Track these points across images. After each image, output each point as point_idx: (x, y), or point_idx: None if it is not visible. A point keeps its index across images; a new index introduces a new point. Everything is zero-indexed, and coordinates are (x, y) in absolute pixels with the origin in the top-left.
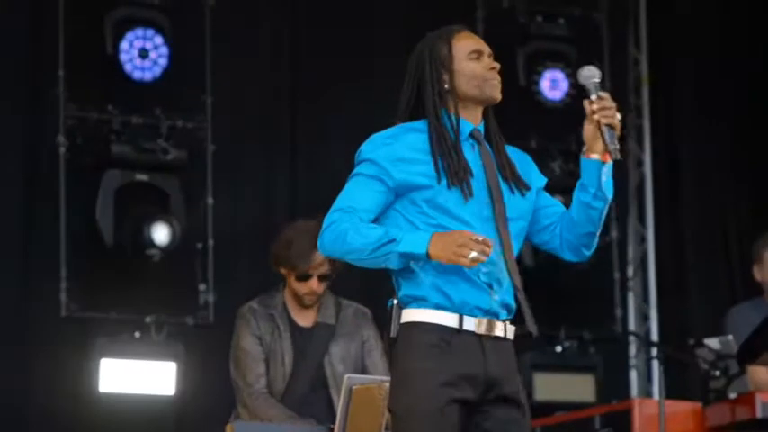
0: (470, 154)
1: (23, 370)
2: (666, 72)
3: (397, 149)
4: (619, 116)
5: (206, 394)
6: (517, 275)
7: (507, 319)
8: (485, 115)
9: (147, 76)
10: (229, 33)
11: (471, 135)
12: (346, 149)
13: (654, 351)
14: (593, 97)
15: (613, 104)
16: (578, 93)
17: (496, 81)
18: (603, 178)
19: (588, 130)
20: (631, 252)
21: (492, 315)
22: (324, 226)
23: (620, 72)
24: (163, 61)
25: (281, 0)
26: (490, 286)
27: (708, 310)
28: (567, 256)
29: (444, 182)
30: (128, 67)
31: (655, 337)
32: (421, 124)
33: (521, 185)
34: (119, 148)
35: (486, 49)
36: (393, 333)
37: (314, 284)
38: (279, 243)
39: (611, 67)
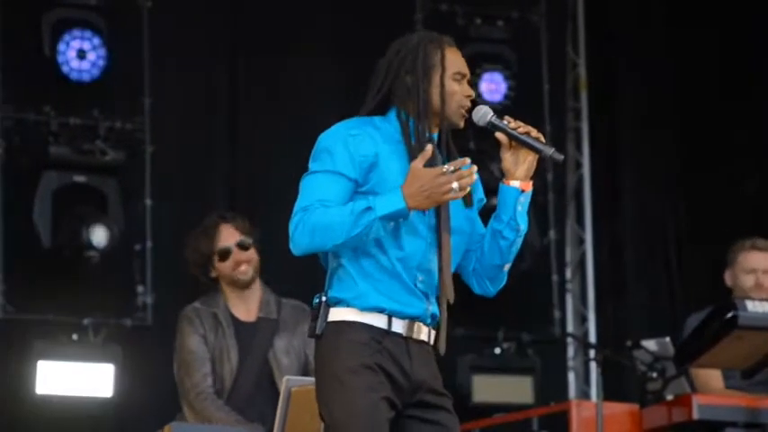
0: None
1: None
2: (605, 74)
3: (361, 142)
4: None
5: (144, 396)
6: (450, 289)
7: (431, 326)
8: (440, 130)
9: (85, 77)
10: (167, 34)
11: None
12: (286, 150)
13: (592, 353)
14: (504, 123)
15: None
16: (517, 95)
17: (466, 110)
18: (519, 208)
19: (506, 158)
20: (569, 254)
21: (420, 320)
22: (292, 228)
23: (558, 75)
24: (101, 62)
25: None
26: (426, 296)
27: (645, 312)
28: (474, 286)
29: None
30: (65, 69)
31: (593, 338)
32: (379, 120)
33: (467, 199)
34: (56, 150)
35: (468, 75)
36: (318, 331)
37: (238, 255)
38: (188, 250)
39: (550, 70)
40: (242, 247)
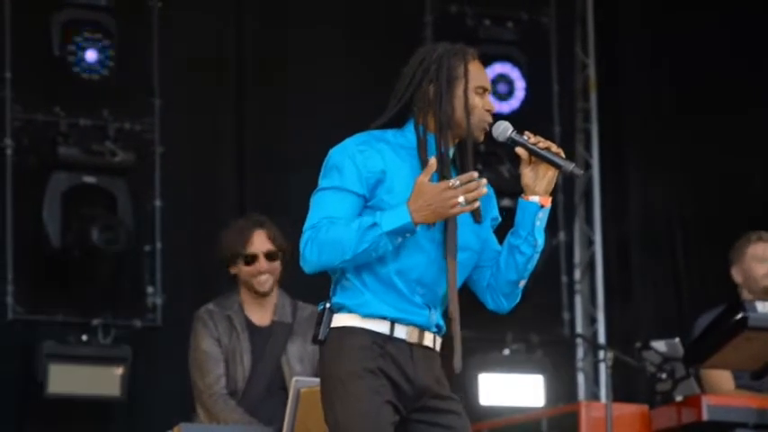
0: (435, 175)
1: None
2: (615, 75)
3: (369, 158)
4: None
5: (154, 397)
6: (455, 305)
7: (436, 334)
8: (459, 143)
9: (95, 77)
10: (177, 35)
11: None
12: (294, 152)
13: (601, 354)
14: (525, 138)
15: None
16: (526, 97)
17: (487, 124)
18: (538, 223)
19: (526, 173)
20: (579, 255)
21: (423, 328)
22: (302, 246)
23: (567, 76)
24: (110, 63)
25: (226, 1)
26: (428, 307)
27: (655, 312)
28: (488, 302)
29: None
30: (75, 69)
31: (602, 339)
32: (393, 134)
33: (476, 214)
34: (66, 150)
35: (490, 89)
36: (321, 336)
37: (263, 265)
38: (218, 243)
39: (559, 71)
40: (269, 257)
